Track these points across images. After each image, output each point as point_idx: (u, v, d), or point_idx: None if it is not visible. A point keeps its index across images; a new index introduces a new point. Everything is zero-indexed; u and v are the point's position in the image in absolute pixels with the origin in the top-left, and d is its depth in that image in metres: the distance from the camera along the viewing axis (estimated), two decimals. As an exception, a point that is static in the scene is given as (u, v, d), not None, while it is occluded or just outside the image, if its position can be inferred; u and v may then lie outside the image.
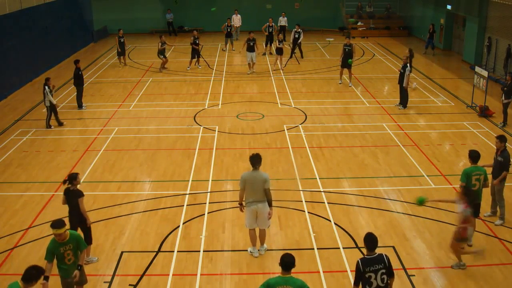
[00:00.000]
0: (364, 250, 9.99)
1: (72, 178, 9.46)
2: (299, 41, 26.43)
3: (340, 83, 21.96)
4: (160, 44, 24.10)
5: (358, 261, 7.19)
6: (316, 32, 34.90)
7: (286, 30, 31.06)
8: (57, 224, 7.75)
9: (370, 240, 7.29)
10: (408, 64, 18.37)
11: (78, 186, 9.58)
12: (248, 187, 9.51)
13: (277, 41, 24.30)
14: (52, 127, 17.06)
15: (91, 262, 9.72)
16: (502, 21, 23.13)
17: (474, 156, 10.18)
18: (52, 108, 16.95)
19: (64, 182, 9.48)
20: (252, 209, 9.60)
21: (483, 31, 24.56)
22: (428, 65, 25.78)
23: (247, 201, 9.63)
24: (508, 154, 10.87)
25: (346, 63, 21.28)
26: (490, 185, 11.00)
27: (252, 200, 9.55)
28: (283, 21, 30.73)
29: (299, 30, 26.34)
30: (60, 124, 17.25)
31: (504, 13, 22.75)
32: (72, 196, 9.39)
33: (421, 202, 9.77)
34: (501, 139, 10.90)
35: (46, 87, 16.67)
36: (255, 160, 9.52)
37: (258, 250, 9.99)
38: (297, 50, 26.68)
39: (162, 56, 24.38)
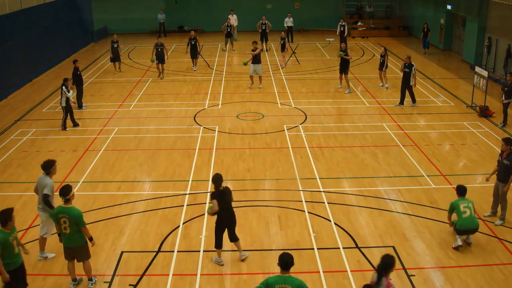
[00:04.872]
0: (364, 251, 10.05)
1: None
2: (345, 34, 28.22)
3: (339, 87, 21.31)
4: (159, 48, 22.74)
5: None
6: (316, 32, 34.94)
7: (293, 30, 31.18)
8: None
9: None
10: (412, 63, 18.53)
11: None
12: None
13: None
14: (67, 128, 16.90)
15: None
16: (502, 21, 23.12)
17: (461, 190, 10.15)
18: (68, 109, 16.79)
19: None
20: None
21: (483, 31, 24.56)
22: (428, 65, 25.77)
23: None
24: None
25: (342, 69, 20.71)
26: (494, 186, 11.04)
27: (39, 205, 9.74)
28: (289, 21, 30.80)
29: (343, 23, 28.31)
30: (76, 125, 17.13)
31: (504, 13, 22.74)
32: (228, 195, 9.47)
33: None
34: (507, 142, 10.83)
35: (63, 87, 16.56)
36: (43, 166, 9.66)
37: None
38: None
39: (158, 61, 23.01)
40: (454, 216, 10.18)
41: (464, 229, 10.00)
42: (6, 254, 7.95)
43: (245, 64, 21.39)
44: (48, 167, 9.66)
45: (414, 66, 18.57)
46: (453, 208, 10.09)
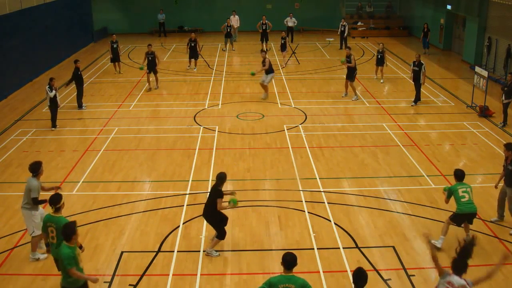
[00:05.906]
0: (364, 251, 10.05)
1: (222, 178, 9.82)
2: (345, 34, 28.46)
3: (343, 96, 20.15)
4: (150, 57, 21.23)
5: None
6: (316, 32, 34.93)
7: (293, 31, 31.18)
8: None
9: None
10: (421, 62, 18.76)
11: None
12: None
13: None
14: (57, 126, 16.89)
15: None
16: (502, 21, 23.13)
17: (459, 174, 10.09)
18: (51, 108, 16.70)
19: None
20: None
21: (483, 31, 24.56)
22: (428, 65, 25.67)
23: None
24: None
25: (347, 76, 19.68)
26: (500, 190, 11.02)
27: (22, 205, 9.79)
28: (290, 21, 30.79)
29: (344, 23, 28.55)
30: (54, 126, 16.95)
31: (504, 13, 22.75)
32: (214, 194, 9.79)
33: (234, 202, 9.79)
34: (508, 147, 10.81)
35: (47, 87, 16.43)
36: (31, 168, 9.72)
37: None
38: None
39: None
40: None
41: (463, 213, 9.92)
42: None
43: (253, 74, 20.19)
44: (36, 169, 9.67)
45: (424, 64, 18.80)
46: (451, 193, 9.99)
